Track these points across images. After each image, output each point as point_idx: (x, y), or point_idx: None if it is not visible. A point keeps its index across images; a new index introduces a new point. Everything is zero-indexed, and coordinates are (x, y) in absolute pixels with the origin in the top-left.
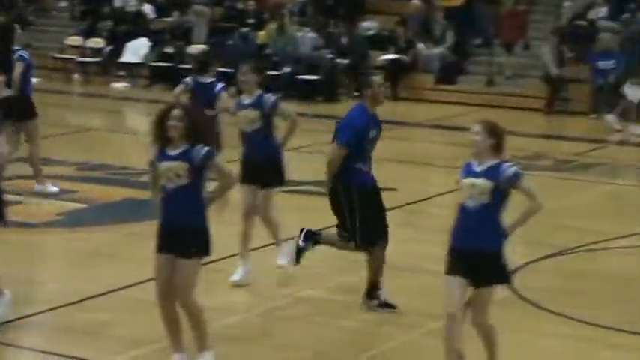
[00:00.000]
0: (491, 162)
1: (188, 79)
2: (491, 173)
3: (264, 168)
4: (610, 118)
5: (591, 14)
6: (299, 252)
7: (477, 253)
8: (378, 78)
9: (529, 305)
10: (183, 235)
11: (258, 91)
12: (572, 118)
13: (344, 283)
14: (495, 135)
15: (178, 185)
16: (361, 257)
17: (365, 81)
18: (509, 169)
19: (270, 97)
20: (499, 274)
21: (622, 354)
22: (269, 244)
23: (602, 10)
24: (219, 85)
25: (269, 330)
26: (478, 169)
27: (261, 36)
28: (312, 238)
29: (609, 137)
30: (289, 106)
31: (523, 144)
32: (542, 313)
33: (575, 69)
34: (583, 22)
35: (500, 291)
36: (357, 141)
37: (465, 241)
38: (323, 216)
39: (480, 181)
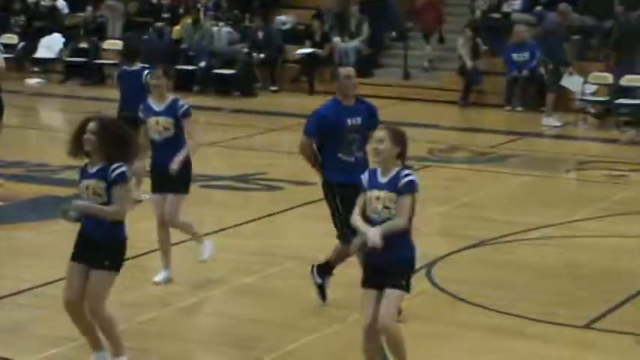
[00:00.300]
0: (394, 171)
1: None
2: (394, 184)
3: (174, 175)
4: (549, 120)
5: (505, 7)
6: (321, 289)
7: (389, 267)
8: (344, 70)
9: (448, 297)
10: (99, 247)
11: (170, 97)
12: (488, 111)
13: (260, 279)
14: (401, 143)
15: (99, 202)
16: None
17: (333, 73)
18: (406, 178)
19: (183, 105)
20: (401, 282)
21: (539, 344)
22: (186, 240)
23: (516, 3)
24: (146, 72)
25: (187, 325)
26: (383, 180)
27: (177, 31)
28: (324, 269)
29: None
30: (196, 127)
31: (440, 137)
32: (461, 304)
33: (490, 61)
34: (497, 15)
35: (419, 283)
36: (325, 130)
37: (376, 257)
38: (240, 211)
39: (384, 194)
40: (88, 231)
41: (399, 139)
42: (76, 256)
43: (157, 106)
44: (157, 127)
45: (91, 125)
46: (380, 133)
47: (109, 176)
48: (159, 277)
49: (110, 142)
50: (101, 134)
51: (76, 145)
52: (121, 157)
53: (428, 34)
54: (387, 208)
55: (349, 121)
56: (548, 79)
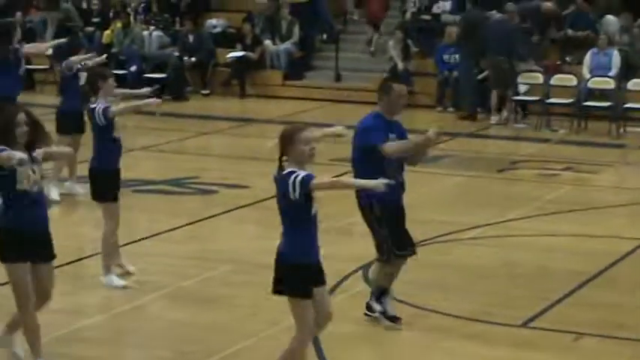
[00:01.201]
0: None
1: None
2: None
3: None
4: (517, 126)
5: (436, 8)
6: (387, 317)
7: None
8: (399, 88)
9: None
10: (47, 240)
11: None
12: (420, 111)
13: (196, 283)
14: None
15: (41, 189)
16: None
17: (384, 87)
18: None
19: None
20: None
21: (477, 344)
22: (128, 243)
23: (447, 4)
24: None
25: (127, 330)
26: None
27: (107, 35)
28: (380, 297)
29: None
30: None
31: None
32: (399, 306)
33: (421, 63)
34: (428, 17)
35: (357, 285)
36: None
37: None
38: (174, 215)
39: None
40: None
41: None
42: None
43: None
44: None
45: (21, 117)
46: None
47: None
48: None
49: (37, 128)
50: (30, 123)
51: (10, 137)
52: (43, 140)
53: (376, 23)
54: None
55: (391, 137)
56: (498, 79)
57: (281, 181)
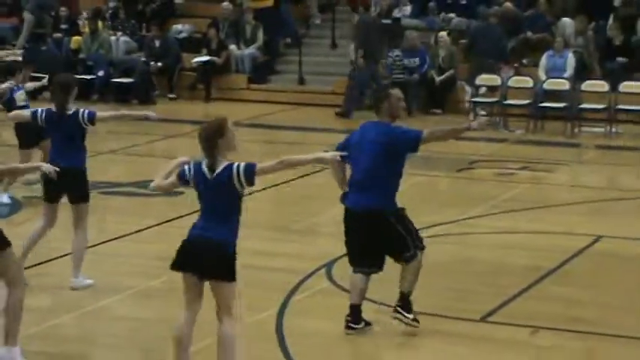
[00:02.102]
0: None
1: None
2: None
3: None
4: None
5: (396, 12)
6: (415, 321)
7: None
8: (396, 92)
9: (347, 294)
10: None
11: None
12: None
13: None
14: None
15: None
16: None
17: (381, 94)
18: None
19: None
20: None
21: (437, 338)
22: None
23: (407, 9)
24: None
25: (96, 329)
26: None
27: (75, 41)
28: (405, 305)
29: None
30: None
31: (335, 140)
32: (363, 302)
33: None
34: (388, 21)
35: (320, 282)
36: None
37: None
38: (141, 217)
39: None
40: None
41: None
42: None
43: None
44: None
45: None
46: None
47: None
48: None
49: None
50: None
51: None
52: None
53: (354, 6)
54: None
55: None
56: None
57: (221, 175)
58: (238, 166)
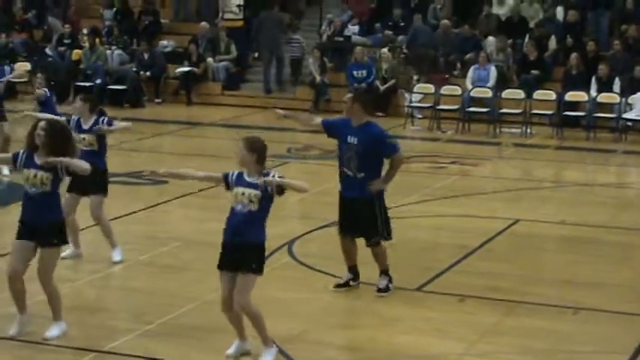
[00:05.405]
0: (258, 173)
1: None
2: (255, 184)
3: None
4: (413, 128)
5: (347, 31)
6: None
7: (244, 245)
8: (348, 95)
9: (305, 268)
10: (44, 229)
11: (94, 117)
12: (335, 116)
13: (151, 257)
14: (255, 150)
15: (42, 191)
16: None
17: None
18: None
19: (105, 119)
20: (259, 261)
21: (379, 303)
22: (95, 225)
23: (355, 28)
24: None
25: (91, 298)
26: (248, 179)
27: (76, 53)
28: (356, 275)
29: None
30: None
31: (296, 138)
32: (316, 275)
33: (335, 76)
34: (340, 38)
35: (282, 257)
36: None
37: (234, 237)
38: (132, 202)
39: (249, 190)
40: (31, 218)
41: (254, 147)
42: (21, 235)
43: (84, 125)
44: (83, 142)
45: (41, 124)
46: (240, 143)
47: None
48: (67, 253)
49: (51, 141)
50: (47, 133)
51: (30, 139)
52: (59, 153)
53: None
54: (251, 202)
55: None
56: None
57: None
58: (273, 175)
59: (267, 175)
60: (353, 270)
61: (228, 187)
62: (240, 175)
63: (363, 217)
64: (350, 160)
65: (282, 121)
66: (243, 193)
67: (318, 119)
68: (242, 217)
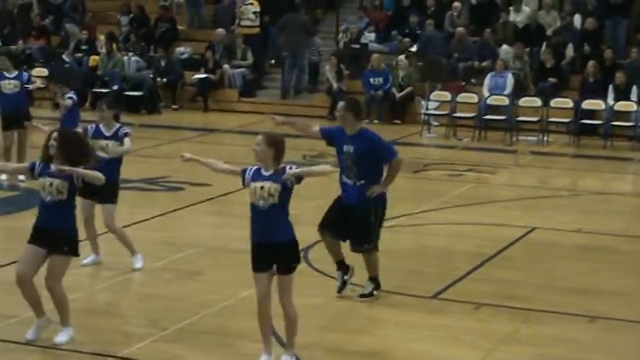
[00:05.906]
0: (276, 167)
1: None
2: (276, 177)
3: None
4: (429, 135)
5: (363, 39)
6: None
7: (275, 244)
8: (340, 104)
9: (320, 275)
10: (56, 236)
11: (116, 125)
12: None
13: (167, 264)
14: (274, 145)
15: (58, 199)
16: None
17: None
18: (292, 169)
19: (124, 130)
20: (296, 257)
21: (396, 311)
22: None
23: (372, 36)
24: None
25: (108, 303)
26: (266, 173)
27: (93, 59)
28: (345, 269)
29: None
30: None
31: (311, 145)
32: (331, 281)
33: (352, 83)
34: (357, 46)
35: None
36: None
37: (262, 236)
38: (148, 208)
39: (268, 184)
40: (46, 225)
41: (273, 143)
42: (34, 241)
43: (106, 132)
44: (102, 147)
45: (54, 134)
46: (258, 137)
47: (71, 178)
48: (87, 260)
49: (64, 149)
50: (59, 142)
51: (45, 150)
52: (74, 162)
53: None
54: (271, 195)
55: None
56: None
57: (280, 175)
58: (291, 167)
59: (284, 171)
60: (342, 265)
61: (244, 182)
62: (257, 170)
63: (356, 222)
64: (349, 168)
65: (280, 127)
66: (262, 187)
67: (317, 127)
68: (267, 214)
